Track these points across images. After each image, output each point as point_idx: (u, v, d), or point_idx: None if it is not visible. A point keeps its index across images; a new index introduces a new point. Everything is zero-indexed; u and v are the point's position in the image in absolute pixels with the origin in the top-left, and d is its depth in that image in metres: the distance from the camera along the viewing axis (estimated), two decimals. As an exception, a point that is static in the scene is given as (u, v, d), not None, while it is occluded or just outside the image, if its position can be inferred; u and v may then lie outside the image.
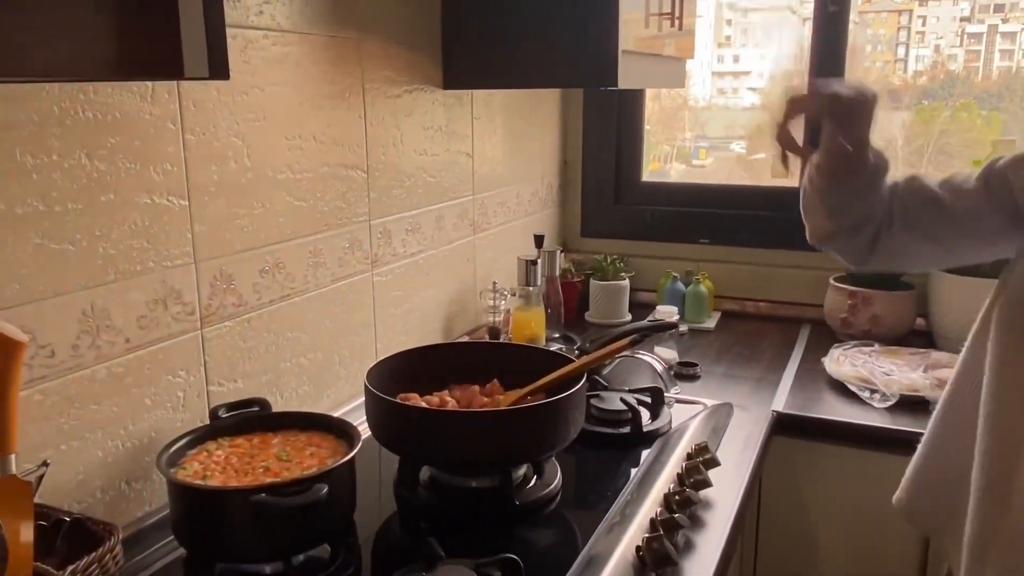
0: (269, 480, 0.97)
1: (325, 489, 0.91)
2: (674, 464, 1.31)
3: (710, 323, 2.15)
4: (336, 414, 1.44)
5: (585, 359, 1.28)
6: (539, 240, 1.99)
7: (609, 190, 2.42)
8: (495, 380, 1.35)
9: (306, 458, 1.05)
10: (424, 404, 1.27)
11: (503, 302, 1.86)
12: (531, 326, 1.91)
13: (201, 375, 1.19)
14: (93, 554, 0.81)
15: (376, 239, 1.56)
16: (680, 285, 2.18)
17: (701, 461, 1.28)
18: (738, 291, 2.28)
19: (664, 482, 1.25)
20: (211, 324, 1.20)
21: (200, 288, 1.17)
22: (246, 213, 1.24)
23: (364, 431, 1.18)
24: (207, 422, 1.13)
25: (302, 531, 0.95)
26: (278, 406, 1.33)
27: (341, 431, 1.10)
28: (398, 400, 1.22)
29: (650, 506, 1.18)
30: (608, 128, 2.39)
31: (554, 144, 2.39)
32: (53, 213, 0.96)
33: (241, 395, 1.26)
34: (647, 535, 1.05)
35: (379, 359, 1.30)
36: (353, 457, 1.02)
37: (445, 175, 1.79)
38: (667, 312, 1.88)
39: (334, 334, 1.46)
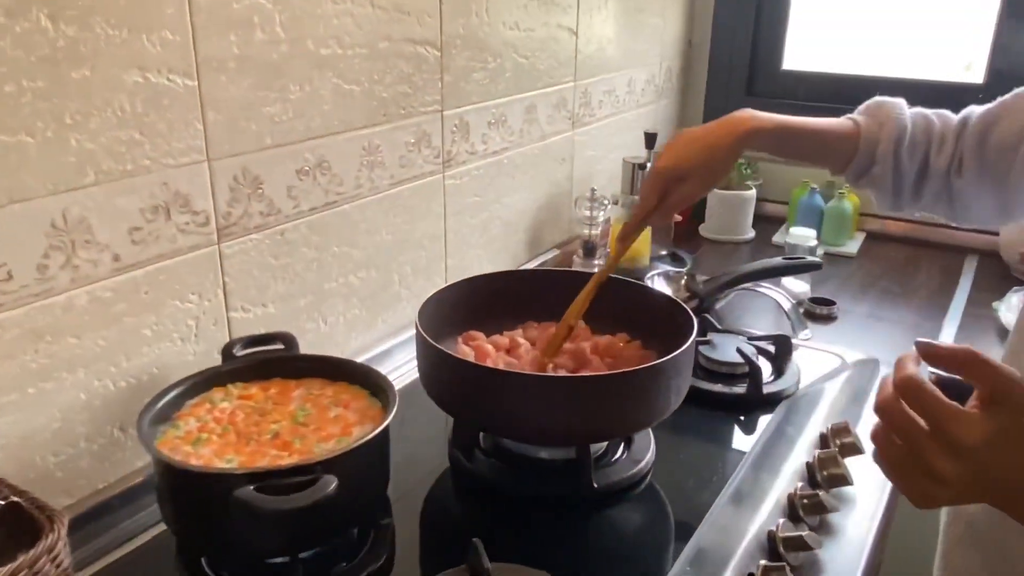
0: (264, 464, 0.75)
1: (334, 484, 0.68)
2: (803, 447, 1.03)
3: (851, 247, 1.80)
4: (393, 343, 1.22)
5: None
6: (651, 139, 1.67)
7: (741, 79, 2.04)
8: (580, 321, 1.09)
9: (328, 422, 0.82)
10: (488, 348, 1.03)
11: (602, 212, 1.57)
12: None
13: (219, 299, 0.97)
14: (23, 557, 0.61)
15: (450, 134, 1.28)
16: (818, 199, 1.82)
17: (838, 448, 0.99)
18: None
19: (789, 473, 0.98)
20: (232, 237, 0.97)
21: (216, 193, 0.94)
22: (278, 98, 0.98)
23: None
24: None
25: (304, 530, 0.74)
26: (320, 334, 1.12)
27: (376, 387, 0.87)
28: (457, 355, 0.98)
29: (769, 509, 0.90)
30: (746, 3, 1.99)
31: (678, 20, 2.00)
32: (1, 94, 0.73)
33: (272, 323, 1.04)
34: (764, 564, 0.79)
35: (439, 289, 1.05)
36: (386, 428, 0.79)
37: (540, 55, 1.47)
38: (803, 237, 1.54)
39: (393, 248, 1.22)
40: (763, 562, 0.79)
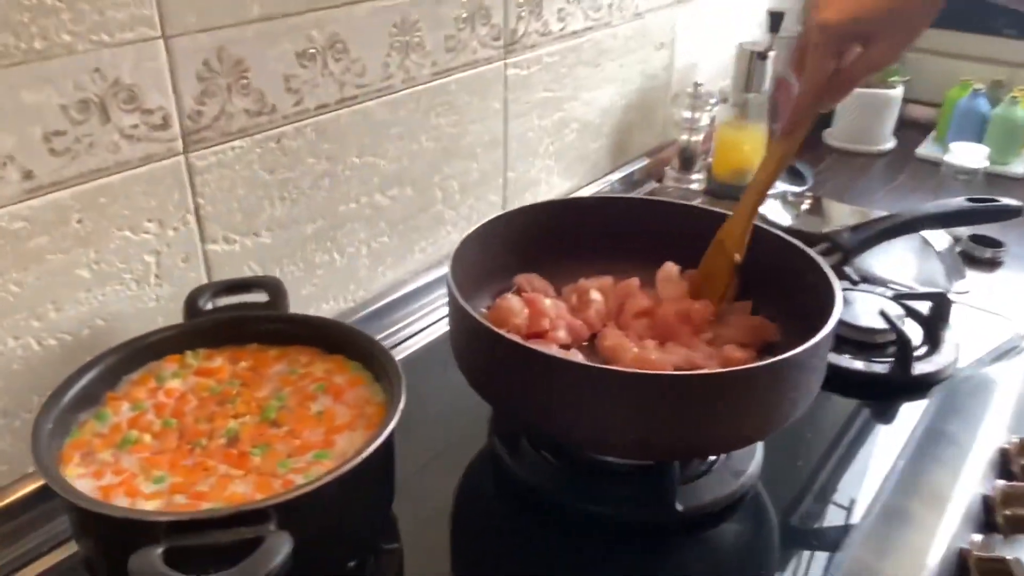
0: (203, 489, 0.52)
1: (285, 552, 0.45)
2: (973, 465, 0.75)
3: (1019, 167, 1.43)
4: (434, 276, 0.97)
5: None
6: (776, 20, 1.31)
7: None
8: (675, 268, 0.81)
9: (307, 423, 0.58)
10: (545, 305, 0.76)
11: (705, 113, 1.26)
12: (742, 150, 1.30)
13: (189, 227, 0.73)
14: None
15: (515, 7, 0.98)
16: (982, 103, 1.44)
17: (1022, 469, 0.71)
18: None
19: (958, 503, 0.70)
20: (205, 144, 0.72)
21: (178, 84, 0.68)
22: (268, -50, 0.71)
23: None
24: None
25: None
26: (335, 269, 0.87)
27: (381, 370, 0.62)
28: (501, 309, 0.73)
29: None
30: None
31: None
32: None
33: (267, 256, 0.80)
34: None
35: (486, 221, 0.79)
36: (388, 439, 0.54)
37: (641, -95, 1.13)
38: (968, 156, 1.19)
39: (435, 159, 0.95)
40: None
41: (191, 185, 0.72)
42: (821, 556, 0.68)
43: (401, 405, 0.57)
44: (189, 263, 0.74)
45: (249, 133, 0.75)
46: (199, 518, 0.47)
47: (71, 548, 0.65)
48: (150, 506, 0.51)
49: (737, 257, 0.77)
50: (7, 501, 0.65)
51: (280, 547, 0.45)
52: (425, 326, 0.96)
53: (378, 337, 0.91)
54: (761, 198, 0.76)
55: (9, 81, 0.58)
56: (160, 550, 0.44)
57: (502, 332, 0.63)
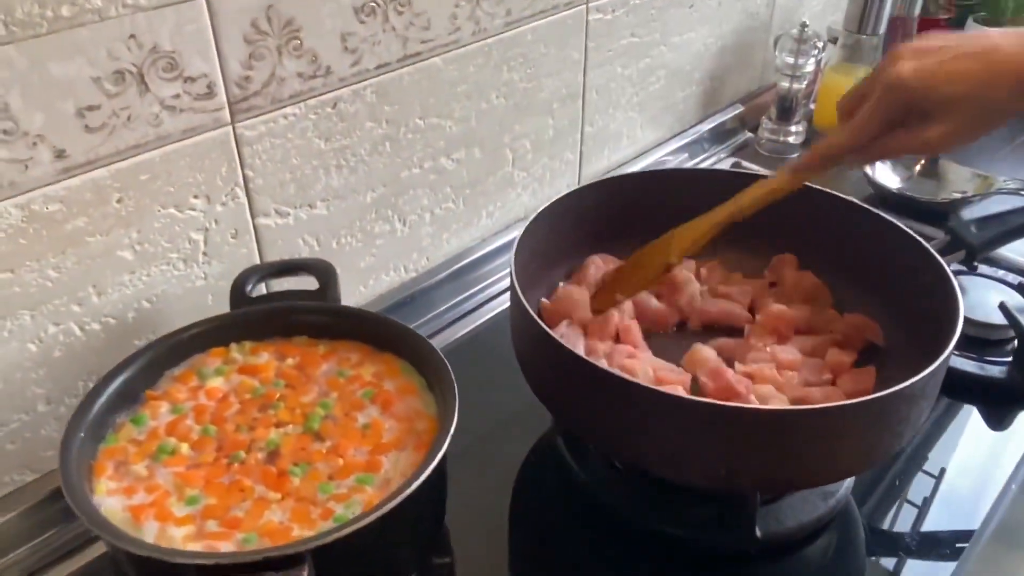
0: (238, 515, 0.48)
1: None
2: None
3: None
4: (503, 240, 0.91)
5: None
6: (899, -49, 1.16)
7: None
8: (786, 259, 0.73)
9: (353, 436, 0.54)
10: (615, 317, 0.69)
11: (811, 59, 1.13)
12: (851, 99, 1.17)
13: (239, 201, 0.68)
14: None
15: (600, -56, 0.88)
16: None
17: None
18: None
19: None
20: (254, 113, 0.66)
21: (223, 48, 0.62)
22: None
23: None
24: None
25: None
26: (397, 239, 0.82)
27: (435, 376, 0.57)
28: (571, 348, 0.67)
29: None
30: None
31: None
32: None
33: (322, 228, 0.75)
34: None
35: (555, 199, 0.72)
36: (441, 463, 0.49)
37: None
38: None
39: (506, 117, 0.87)
40: None
41: (239, 157, 0.66)
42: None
43: (454, 425, 0.51)
44: (239, 239, 0.69)
45: (302, 98, 0.68)
46: (226, 563, 0.43)
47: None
48: (181, 533, 0.48)
49: (674, 260, 0.70)
50: (55, 486, 0.64)
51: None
52: (495, 294, 0.91)
53: (444, 306, 0.88)
54: (730, 221, 0.67)
55: (35, 53, 0.53)
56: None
57: (568, 346, 0.56)
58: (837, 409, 0.52)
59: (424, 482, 0.48)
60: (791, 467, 0.54)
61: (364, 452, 0.53)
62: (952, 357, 0.78)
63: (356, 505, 0.49)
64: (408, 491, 0.47)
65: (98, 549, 0.63)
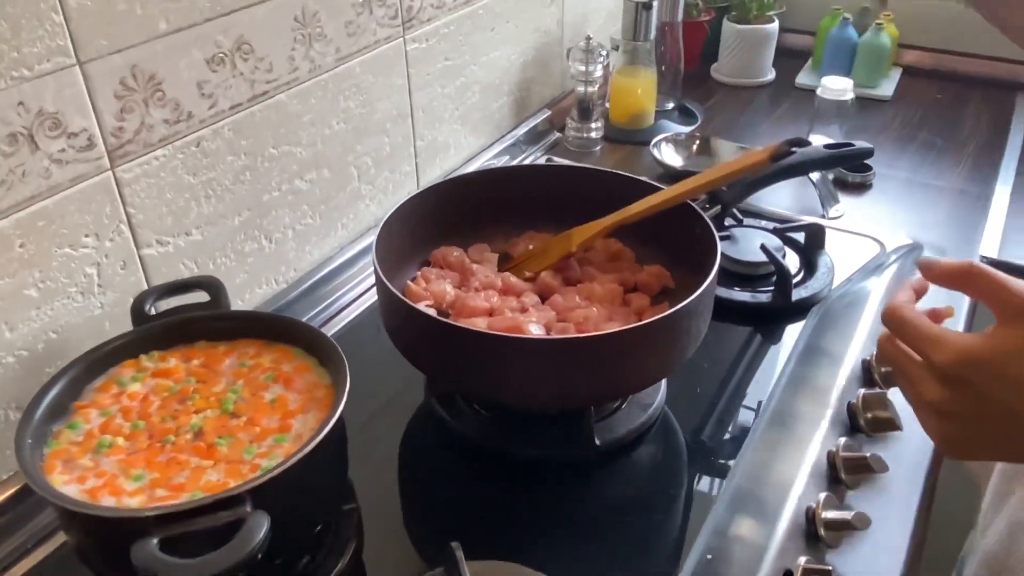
0: (182, 481, 0.59)
1: (264, 529, 0.53)
2: (842, 376, 0.87)
3: (886, 88, 1.56)
4: (359, 248, 1.04)
5: (693, 183, 0.82)
6: (656, -31, 1.38)
7: None
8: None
9: (263, 410, 0.66)
10: (478, 270, 0.85)
11: (599, 66, 1.33)
12: (636, 95, 1.39)
13: (124, 236, 0.78)
14: None
15: (408, -14, 1.03)
16: (851, 31, 1.55)
17: (881, 375, 0.84)
18: (929, 39, 1.63)
19: (821, 422, 0.82)
20: (129, 158, 0.76)
21: (98, 105, 0.72)
22: (168, -34, 0.74)
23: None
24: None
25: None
26: (266, 255, 0.93)
27: (325, 355, 0.69)
28: (422, 308, 0.80)
29: (806, 473, 0.76)
30: None
31: None
32: None
33: (200, 252, 0.85)
34: (805, 562, 0.65)
35: (402, 203, 0.86)
36: (339, 420, 0.62)
37: None
38: (836, 90, 1.30)
39: (347, 139, 1.00)
40: (804, 561, 0.65)
41: (121, 197, 0.76)
42: (723, 462, 0.80)
43: (347, 387, 0.64)
44: (128, 269, 0.79)
45: (170, 141, 0.79)
46: (182, 509, 0.54)
47: (59, 539, 0.72)
48: (135, 502, 0.58)
49: (574, 249, 0.87)
50: (-11, 506, 0.71)
51: (260, 525, 0.53)
52: (357, 296, 1.03)
53: (314, 311, 1.00)
54: (618, 224, 0.85)
55: (-61, 126, 0.61)
56: (155, 540, 0.52)
57: (421, 308, 0.71)
58: (641, 327, 0.70)
59: (330, 432, 0.61)
60: (612, 379, 0.71)
61: (275, 419, 0.65)
62: (734, 292, 0.99)
63: (277, 458, 0.61)
64: (319, 437, 0.59)
65: (38, 555, 0.71)
